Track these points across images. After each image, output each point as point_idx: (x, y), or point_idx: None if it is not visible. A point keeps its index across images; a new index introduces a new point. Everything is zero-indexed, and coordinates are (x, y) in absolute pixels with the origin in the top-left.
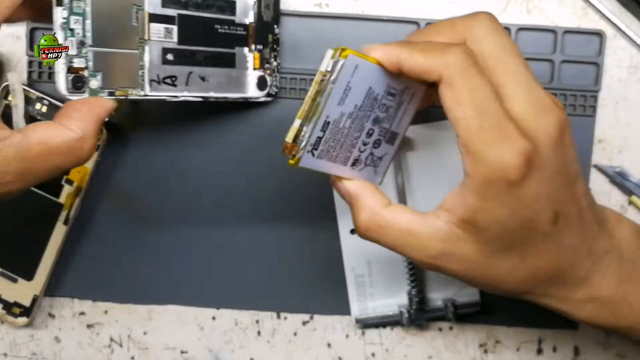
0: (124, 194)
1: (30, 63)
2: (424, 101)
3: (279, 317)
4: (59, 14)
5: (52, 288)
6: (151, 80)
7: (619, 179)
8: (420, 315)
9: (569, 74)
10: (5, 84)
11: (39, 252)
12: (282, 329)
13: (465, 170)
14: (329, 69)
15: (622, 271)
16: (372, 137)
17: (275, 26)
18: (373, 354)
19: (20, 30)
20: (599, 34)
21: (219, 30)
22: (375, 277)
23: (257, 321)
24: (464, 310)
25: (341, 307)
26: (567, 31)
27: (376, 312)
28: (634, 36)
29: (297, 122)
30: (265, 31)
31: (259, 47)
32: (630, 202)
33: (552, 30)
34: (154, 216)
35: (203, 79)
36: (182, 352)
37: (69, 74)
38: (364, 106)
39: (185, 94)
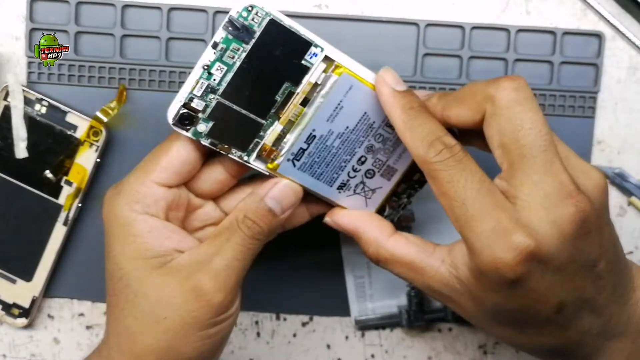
0: None
1: (29, 64)
2: None
3: (278, 318)
4: (208, 55)
5: (51, 289)
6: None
7: (618, 180)
8: (419, 317)
9: (568, 75)
10: (4, 85)
11: (38, 253)
12: (281, 330)
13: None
14: (319, 81)
15: (636, 350)
16: (365, 166)
17: None
18: (372, 355)
19: (19, 30)
20: (598, 35)
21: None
22: (374, 278)
23: (257, 322)
24: None
25: (341, 308)
26: (566, 32)
27: (376, 313)
28: (633, 37)
29: (278, 127)
30: None
31: None
32: (630, 203)
33: (551, 32)
34: None
35: None
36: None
37: (182, 108)
38: (356, 130)
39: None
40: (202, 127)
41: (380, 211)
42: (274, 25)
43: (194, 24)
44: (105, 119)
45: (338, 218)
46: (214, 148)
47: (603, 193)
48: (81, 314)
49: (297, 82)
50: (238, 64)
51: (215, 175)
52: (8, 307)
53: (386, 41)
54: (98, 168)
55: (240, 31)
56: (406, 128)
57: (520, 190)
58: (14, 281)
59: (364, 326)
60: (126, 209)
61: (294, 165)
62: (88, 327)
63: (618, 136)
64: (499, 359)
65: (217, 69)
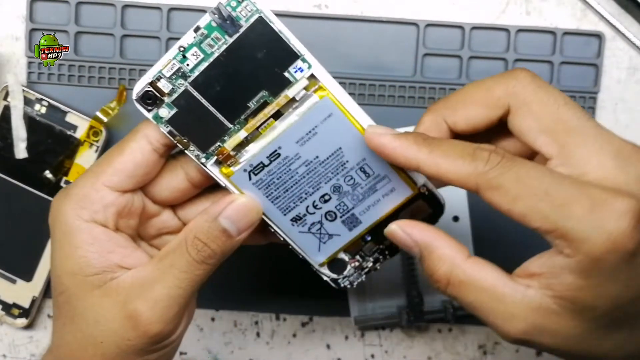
0: None
1: (29, 64)
2: None
3: (278, 318)
4: (187, 38)
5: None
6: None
7: None
8: (419, 317)
9: (568, 75)
10: (4, 85)
11: (38, 253)
12: (281, 330)
13: (560, 250)
14: (298, 97)
15: None
16: (327, 205)
17: None
18: (372, 356)
19: (19, 30)
20: (598, 36)
21: None
22: (374, 279)
23: (257, 322)
24: (463, 311)
25: (340, 308)
26: (567, 33)
27: (375, 313)
28: (633, 38)
29: (242, 134)
30: None
31: None
32: None
33: (551, 32)
34: None
35: None
36: (181, 353)
37: (148, 86)
38: (326, 163)
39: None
40: (164, 112)
41: (332, 264)
42: (261, 25)
43: (194, 24)
44: (105, 119)
45: (410, 228)
46: (172, 139)
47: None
48: None
49: (274, 93)
50: (216, 55)
51: (176, 183)
52: (8, 307)
53: (386, 41)
54: None
55: (225, 21)
56: (436, 157)
57: (588, 163)
58: (14, 281)
59: (363, 326)
60: (71, 215)
61: (250, 178)
62: None
63: None
64: (498, 359)
65: (193, 54)
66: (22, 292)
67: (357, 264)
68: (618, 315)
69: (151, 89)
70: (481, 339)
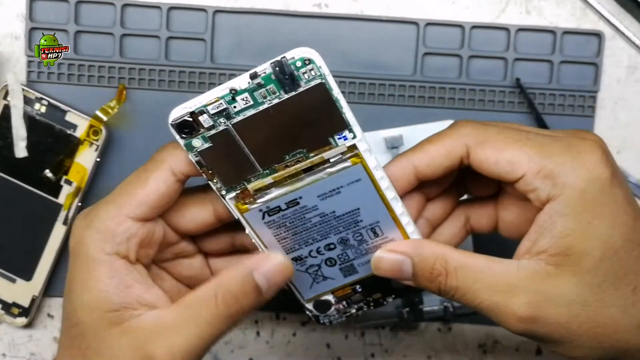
0: None
1: (29, 63)
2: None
3: (277, 317)
4: (241, 81)
5: (51, 288)
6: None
7: None
8: (419, 316)
9: (568, 74)
10: (4, 84)
11: (38, 253)
12: (281, 329)
13: (545, 196)
14: (332, 159)
15: None
16: (330, 253)
17: None
18: (372, 355)
19: (19, 30)
20: (598, 35)
21: None
22: None
23: (256, 322)
24: (463, 310)
25: None
26: (566, 32)
27: (375, 312)
28: (633, 37)
29: (269, 179)
30: None
31: None
32: None
33: (551, 31)
34: None
35: None
36: None
37: (189, 116)
38: (341, 219)
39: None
40: (197, 143)
41: (318, 303)
42: (321, 90)
43: (194, 23)
44: (105, 118)
45: (394, 246)
46: (199, 168)
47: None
48: None
49: (312, 151)
50: (266, 106)
51: (203, 217)
52: (8, 307)
53: (386, 40)
54: (98, 167)
55: (285, 77)
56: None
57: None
58: (13, 280)
59: (363, 325)
60: (94, 248)
61: (263, 218)
62: None
63: (617, 135)
64: (498, 358)
65: (243, 99)
66: (22, 291)
67: (341, 307)
68: (614, 264)
69: (191, 119)
70: (481, 338)
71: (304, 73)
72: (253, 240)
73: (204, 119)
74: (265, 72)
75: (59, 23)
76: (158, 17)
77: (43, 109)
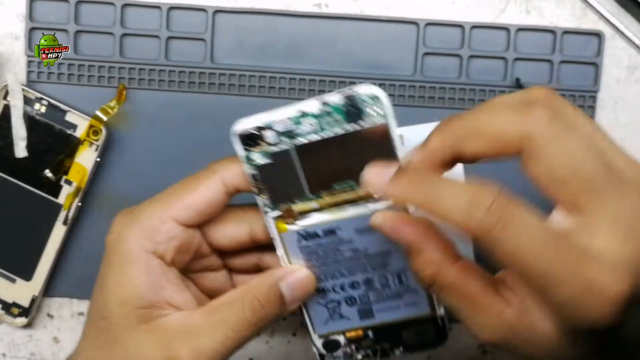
0: (123, 194)
1: (29, 63)
2: None
3: None
4: (311, 105)
5: (51, 288)
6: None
7: None
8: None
9: (568, 74)
10: (4, 84)
11: (37, 252)
12: (281, 329)
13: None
14: (377, 196)
15: None
16: (353, 292)
17: None
18: None
19: (19, 29)
20: (598, 35)
21: None
22: None
23: None
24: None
25: None
26: (566, 32)
27: None
28: (633, 37)
29: (314, 204)
30: None
31: None
32: None
33: (551, 31)
34: None
35: None
36: None
37: (257, 129)
38: (371, 258)
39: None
40: (257, 157)
41: (328, 342)
42: (383, 128)
43: (194, 23)
44: (105, 118)
45: (399, 225)
46: (252, 181)
47: None
48: (81, 313)
49: (360, 184)
50: (329, 134)
51: (238, 235)
52: (8, 307)
53: (386, 40)
54: (98, 167)
55: (353, 109)
56: (435, 199)
57: (599, 226)
58: (13, 280)
59: None
60: (135, 244)
61: (299, 241)
62: None
63: (618, 135)
64: (498, 359)
65: (310, 123)
66: (22, 291)
67: (348, 351)
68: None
69: (258, 133)
70: None
71: (369, 109)
72: (282, 264)
73: (269, 135)
74: (335, 103)
75: (59, 23)
76: (158, 17)
77: (43, 109)
